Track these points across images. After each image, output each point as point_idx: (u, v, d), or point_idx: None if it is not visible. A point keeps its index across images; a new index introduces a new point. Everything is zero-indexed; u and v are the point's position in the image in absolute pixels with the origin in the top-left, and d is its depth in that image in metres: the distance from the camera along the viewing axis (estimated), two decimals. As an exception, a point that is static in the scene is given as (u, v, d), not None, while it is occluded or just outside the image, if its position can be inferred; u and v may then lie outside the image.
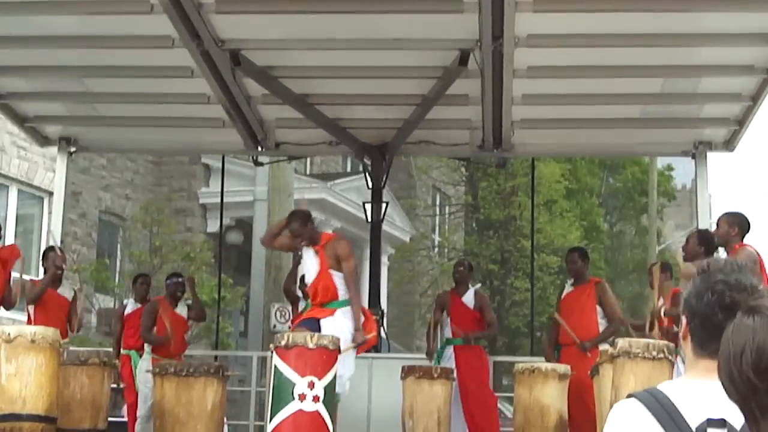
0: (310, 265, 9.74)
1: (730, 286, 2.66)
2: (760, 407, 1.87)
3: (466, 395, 11.07)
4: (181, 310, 12.19)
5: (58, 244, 11.88)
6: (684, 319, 2.74)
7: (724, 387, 1.97)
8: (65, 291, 11.32)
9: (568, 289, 11.41)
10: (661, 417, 2.56)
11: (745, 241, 9.00)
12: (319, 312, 9.55)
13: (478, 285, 13.75)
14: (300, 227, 9.71)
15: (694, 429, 2.54)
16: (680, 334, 2.77)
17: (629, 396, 2.66)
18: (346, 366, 9.43)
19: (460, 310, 11.70)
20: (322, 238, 9.82)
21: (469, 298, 11.84)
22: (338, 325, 9.45)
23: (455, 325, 11.55)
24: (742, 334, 1.92)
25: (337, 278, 9.60)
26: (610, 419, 2.68)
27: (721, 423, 2.52)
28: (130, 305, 12.23)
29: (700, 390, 2.62)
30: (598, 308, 10.98)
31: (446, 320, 11.76)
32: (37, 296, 10.82)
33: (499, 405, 21.70)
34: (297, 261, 13.27)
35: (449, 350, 11.54)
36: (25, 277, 11.17)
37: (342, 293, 9.58)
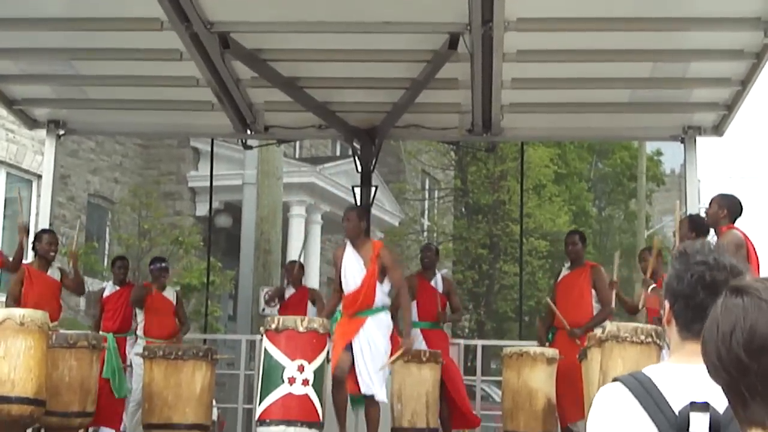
0: (353, 271, 9.71)
1: (710, 265, 2.68)
2: (749, 388, 1.87)
3: (446, 375, 11.13)
4: (168, 293, 12.22)
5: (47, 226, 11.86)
6: (667, 304, 2.75)
7: (709, 368, 1.97)
8: (55, 274, 11.32)
9: (564, 272, 11.44)
10: (644, 401, 2.58)
11: (735, 224, 9.02)
12: (351, 327, 9.53)
13: (445, 270, 13.80)
14: (355, 216, 9.85)
15: (677, 412, 2.55)
16: (664, 319, 2.78)
17: (614, 380, 2.68)
18: (381, 371, 9.49)
19: (428, 294, 11.76)
20: (374, 245, 9.87)
21: (437, 282, 11.93)
22: (370, 335, 9.49)
23: (424, 312, 11.62)
24: (731, 314, 1.92)
25: (379, 289, 9.62)
26: (595, 403, 2.69)
27: (705, 406, 2.53)
28: (109, 288, 12.27)
29: (684, 374, 2.63)
30: (594, 292, 11.01)
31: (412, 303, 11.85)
32: (14, 266, 10.87)
33: (487, 389, 21.82)
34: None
35: (416, 332, 11.62)
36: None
37: (377, 303, 9.64)
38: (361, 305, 9.58)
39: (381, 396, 9.49)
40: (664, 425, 2.55)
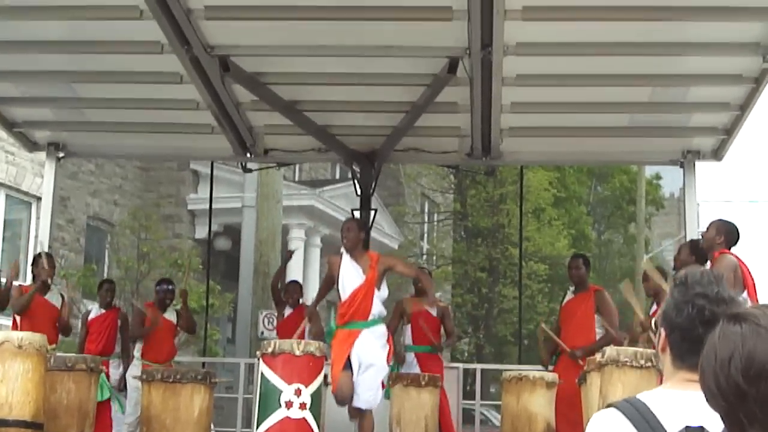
0: (350, 278, 9.77)
1: (710, 299, 2.67)
2: (748, 415, 1.87)
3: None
4: (170, 315, 12.19)
5: (46, 249, 11.85)
6: (662, 332, 2.75)
7: (707, 395, 1.97)
8: (53, 297, 11.29)
9: (569, 296, 11.43)
10: (640, 426, 2.58)
11: (732, 250, 9.02)
12: (346, 340, 9.59)
13: (439, 294, 13.84)
14: (354, 226, 9.97)
15: None
16: (659, 346, 2.78)
17: (608, 406, 2.68)
18: (376, 386, 9.54)
19: (422, 318, 11.76)
20: (371, 255, 9.95)
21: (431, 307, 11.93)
22: (368, 350, 9.54)
23: (419, 336, 11.63)
24: (729, 341, 1.92)
25: (377, 298, 9.68)
26: (589, 429, 2.68)
27: (700, 431, 2.54)
28: (95, 311, 12.23)
29: (678, 399, 2.64)
30: (597, 317, 11.00)
31: (405, 327, 11.88)
32: (24, 306, 10.80)
33: (486, 413, 21.76)
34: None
35: (411, 356, 11.64)
36: (15, 283, 11.16)
37: (373, 314, 9.66)
38: (356, 314, 9.63)
39: (375, 405, 9.61)
40: None
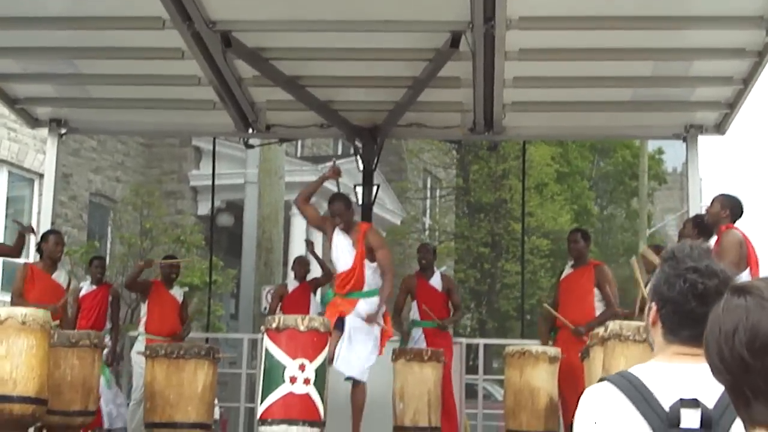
0: (343, 252, 9.98)
1: (702, 273, 2.68)
2: (752, 388, 1.87)
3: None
4: (176, 292, 12.22)
5: (49, 226, 11.85)
6: (654, 306, 2.75)
7: (712, 368, 1.97)
8: (61, 276, 11.29)
9: (567, 270, 11.44)
10: (634, 398, 2.59)
11: (736, 224, 9.02)
12: (345, 305, 9.81)
13: (444, 268, 13.89)
14: (343, 208, 10.04)
15: (667, 409, 2.56)
16: (649, 320, 2.79)
17: (601, 379, 2.69)
18: (368, 354, 9.62)
19: (428, 293, 11.81)
20: (360, 227, 10.07)
21: (436, 281, 12.00)
22: (360, 313, 9.70)
23: (428, 308, 11.68)
24: (734, 314, 1.92)
25: (369, 269, 9.79)
26: (582, 402, 2.69)
27: (694, 403, 2.55)
28: (86, 287, 12.23)
29: (671, 372, 2.65)
30: (596, 291, 11.01)
31: (411, 303, 11.94)
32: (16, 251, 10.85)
33: (489, 387, 21.82)
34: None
35: (418, 332, 11.68)
36: (16, 259, 11.18)
37: (368, 284, 9.77)
38: (353, 286, 9.87)
39: (363, 377, 9.74)
40: (655, 422, 2.56)
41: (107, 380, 11.55)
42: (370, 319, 9.74)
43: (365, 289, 9.88)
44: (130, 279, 12.33)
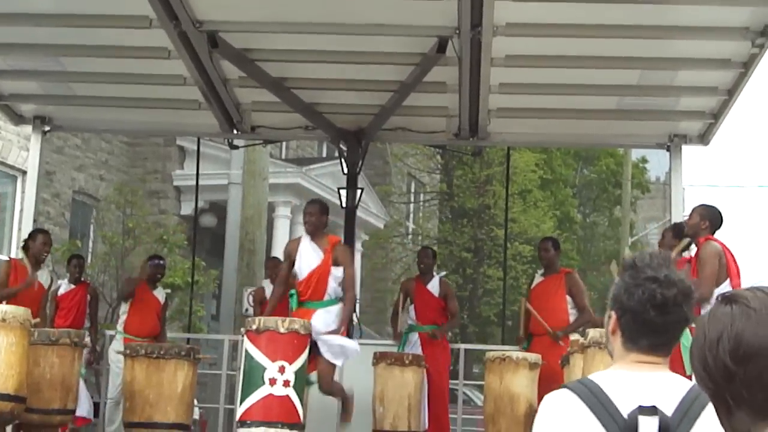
0: (309, 259, 9.83)
1: (661, 282, 2.70)
2: (734, 397, 1.88)
3: (430, 380, 11.17)
4: (159, 293, 12.19)
5: (31, 224, 11.80)
6: (613, 314, 2.77)
7: (696, 375, 1.98)
8: (43, 276, 11.21)
9: (538, 278, 11.49)
10: (593, 406, 2.61)
11: (715, 235, 9.04)
12: (301, 315, 9.58)
13: (443, 273, 13.88)
14: (317, 211, 9.94)
15: (625, 416, 2.57)
16: (609, 328, 2.80)
17: (561, 387, 2.70)
18: (338, 342, 9.55)
19: (425, 298, 11.83)
20: (329, 239, 9.99)
21: (434, 286, 11.99)
22: (320, 322, 9.54)
23: (422, 316, 11.69)
24: (719, 322, 1.93)
25: (333, 280, 9.70)
26: (542, 409, 2.71)
27: (653, 410, 2.57)
28: (64, 286, 12.16)
29: (631, 379, 2.67)
30: (568, 298, 11.07)
31: (409, 307, 11.93)
32: (5, 297, 10.54)
33: (469, 393, 21.83)
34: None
35: (414, 336, 11.68)
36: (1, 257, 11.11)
37: (329, 294, 9.69)
38: (312, 294, 9.69)
39: (344, 357, 9.68)
40: (613, 429, 2.58)
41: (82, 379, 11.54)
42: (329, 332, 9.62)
43: (325, 298, 9.75)
44: (126, 295, 12.20)
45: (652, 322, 2.70)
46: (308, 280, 9.75)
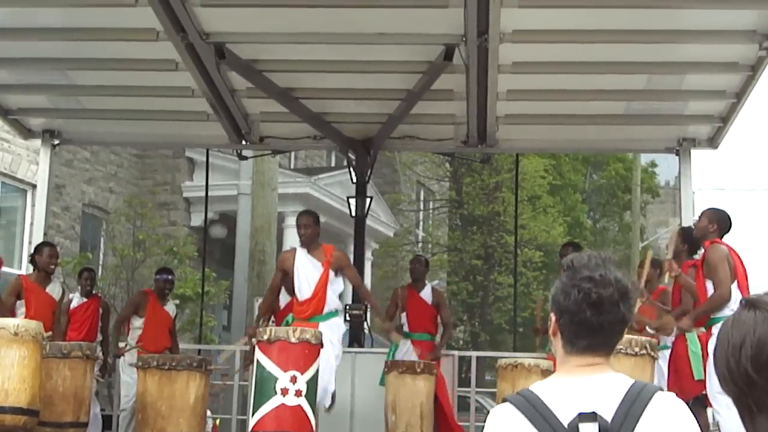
0: (308, 274, 9.77)
1: (596, 282, 2.69)
2: (757, 402, 1.88)
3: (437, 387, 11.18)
4: (169, 308, 12.18)
5: (41, 238, 11.82)
6: (553, 317, 2.76)
7: (720, 379, 1.98)
8: (54, 289, 11.19)
9: None
10: (533, 418, 2.61)
11: (723, 238, 9.03)
12: None
13: (436, 282, 13.86)
14: (312, 222, 9.89)
15: (566, 425, 2.56)
16: (550, 331, 2.80)
17: (503, 400, 2.70)
18: (329, 379, 9.49)
19: (418, 306, 11.80)
20: (325, 249, 9.91)
21: (426, 294, 11.97)
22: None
23: (415, 323, 11.70)
24: (742, 327, 1.93)
25: (331, 292, 9.69)
26: (487, 425, 2.70)
27: (593, 416, 2.56)
28: (76, 299, 12.13)
29: (570, 387, 2.66)
30: None
31: (401, 315, 11.91)
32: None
33: (481, 400, 21.80)
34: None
35: (407, 343, 11.64)
36: (8, 270, 11.11)
37: (329, 306, 9.68)
38: (314, 311, 9.69)
39: (326, 401, 9.65)
40: None
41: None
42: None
43: (325, 311, 9.71)
44: (136, 306, 12.18)
45: (588, 322, 2.69)
46: (310, 300, 9.71)
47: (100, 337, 12.07)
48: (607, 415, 2.57)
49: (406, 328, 11.85)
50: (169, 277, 12.31)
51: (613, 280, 2.71)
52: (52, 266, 11.09)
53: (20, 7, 9.45)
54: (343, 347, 10.18)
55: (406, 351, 11.62)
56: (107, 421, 12.05)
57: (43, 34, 9.95)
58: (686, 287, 8.93)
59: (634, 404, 2.60)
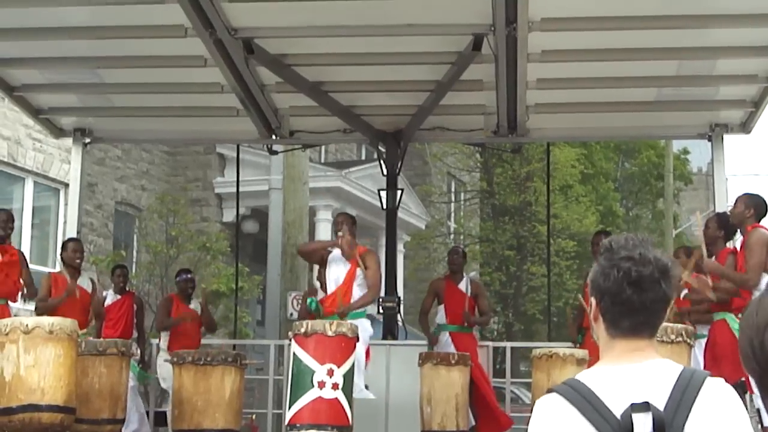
0: (337, 272, 9.90)
1: (635, 261, 2.67)
2: None
3: (475, 378, 11.18)
4: (195, 306, 12.22)
5: (75, 235, 11.87)
6: (593, 300, 2.73)
7: (742, 356, 1.96)
8: (84, 282, 11.30)
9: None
10: (583, 408, 2.56)
11: (762, 223, 8.97)
12: None
13: (473, 273, 13.83)
14: (350, 221, 10.03)
15: (618, 416, 2.52)
16: (591, 316, 2.77)
17: (549, 390, 2.66)
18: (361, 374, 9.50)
19: (456, 297, 11.79)
20: (357, 249, 10.01)
21: (464, 285, 11.96)
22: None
23: (453, 315, 11.69)
24: (766, 309, 1.91)
25: (357, 290, 9.71)
26: (533, 416, 2.67)
27: (645, 406, 2.52)
28: (110, 296, 12.17)
29: (619, 375, 2.62)
30: None
31: (438, 307, 11.92)
32: (52, 309, 10.58)
33: (516, 391, 21.77)
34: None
35: (445, 335, 11.65)
36: (42, 269, 11.17)
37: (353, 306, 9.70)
38: (339, 306, 9.70)
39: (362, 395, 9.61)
40: (606, 430, 2.52)
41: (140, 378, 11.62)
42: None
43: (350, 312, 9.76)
44: (165, 323, 12.24)
45: (629, 301, 2.66)
46: (336, 295, 9.80)
47: (135, 334, 12.13)
48: (659, 403, 2.54)
49: (443, 320, 11.85)
50: (189, 276, 12.35)
51: (652, 259, 2.68)
52: (77, 261, 11.14)
53: (48, 6, 9.49)
54: (376, 341, 10.20)
55: (445, 342, 11.63)
56: (162, 417, 12.15)
57: (72, 32, 9.99)
58: (713, 270, 8.87)
59: (686, 392, 2.56)
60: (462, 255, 12.54)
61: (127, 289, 12.54)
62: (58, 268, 11.32)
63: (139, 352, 11.89)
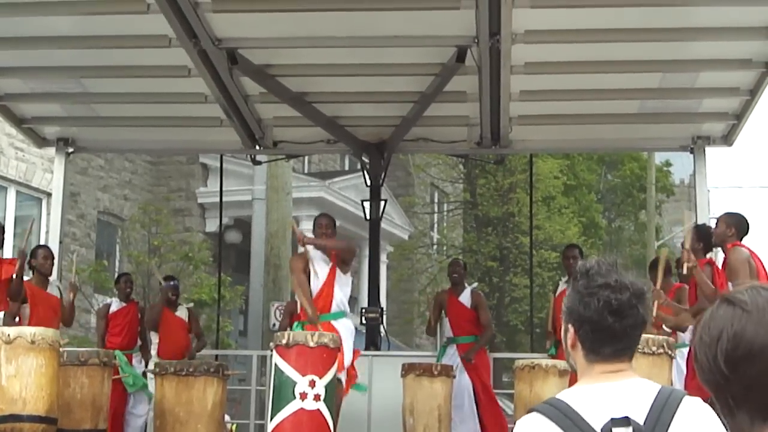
0: (321, 269, 9.86)
1: (614, 288, 2.70)
2: (734, 397, 1.88)
3: (475, 390, 11.23)
4: (181, 313, 12.18)
5: (57, 245, 11.82)
6: (571, 328, 2.75)
7: (698, 375, 1.98)
8: (53, 290, 11.19)
9: (562, 286, 11.41)
10: (565, 425, 2.60)
11: (743, 241, 9.00)
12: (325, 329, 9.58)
13: (475, 284, 13.80)
14: (331, 223, 10.04)
15: (598, 431, 2.55)
16: (568, 343, 2.78)
17: (530, 410, 2.68)
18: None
19: (457, 310, 11.80)
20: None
21: (465, 298, 11.95)
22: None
23: (457, 327, 11.69)
24: (719, 322, 1.93)
25: (339, 289, 9.70)
26: None
27: (625, 421, 2.56)
28: (115, 304, 12.13)
29: (599, 392, 2.66)
30: None
31: (444, 319, 11.91)
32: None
33: (499, 401, 21.76)
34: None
35: (452, 348, 11.65)
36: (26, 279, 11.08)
37: (336, 305, 9.69)
38: (321, 308, 9.69)
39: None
40: None
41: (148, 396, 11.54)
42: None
43: (333, 310, 9.74)
44: (152, 321, 12.17)
45: (611, 329, 2.70)
46: (317, 297, 9.76)
47: (140, 342, 12.08)
48: (639, 419, 2.57)
49: (449, 333, 11.83)
50: (174, 282, 12.31)
51: (629, 284, 2.71)
52: (48, 268, 11.04)
53: (32, 16, 9.48)
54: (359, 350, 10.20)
55: (452, 355, 11.61)
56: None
57: (56, 42, 9.98)
58: (700, 283, 8.90)
59: (663, 410, 2.61)
60: (463, 267, 12.51)
61: (132, 297, 12.46)
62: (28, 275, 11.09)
63: (143, 362, 11.85)
